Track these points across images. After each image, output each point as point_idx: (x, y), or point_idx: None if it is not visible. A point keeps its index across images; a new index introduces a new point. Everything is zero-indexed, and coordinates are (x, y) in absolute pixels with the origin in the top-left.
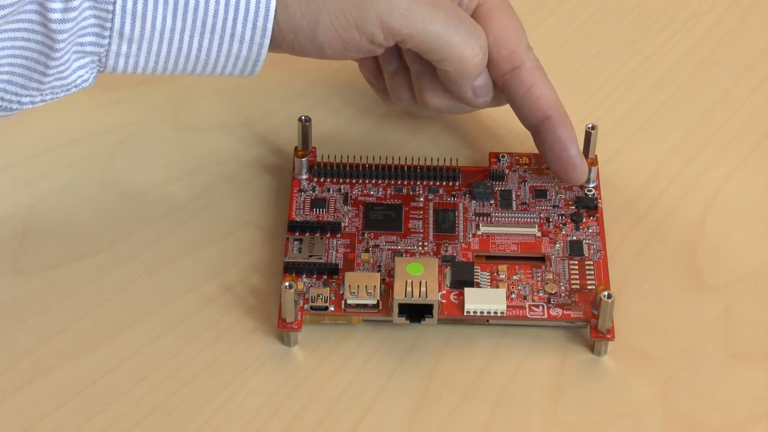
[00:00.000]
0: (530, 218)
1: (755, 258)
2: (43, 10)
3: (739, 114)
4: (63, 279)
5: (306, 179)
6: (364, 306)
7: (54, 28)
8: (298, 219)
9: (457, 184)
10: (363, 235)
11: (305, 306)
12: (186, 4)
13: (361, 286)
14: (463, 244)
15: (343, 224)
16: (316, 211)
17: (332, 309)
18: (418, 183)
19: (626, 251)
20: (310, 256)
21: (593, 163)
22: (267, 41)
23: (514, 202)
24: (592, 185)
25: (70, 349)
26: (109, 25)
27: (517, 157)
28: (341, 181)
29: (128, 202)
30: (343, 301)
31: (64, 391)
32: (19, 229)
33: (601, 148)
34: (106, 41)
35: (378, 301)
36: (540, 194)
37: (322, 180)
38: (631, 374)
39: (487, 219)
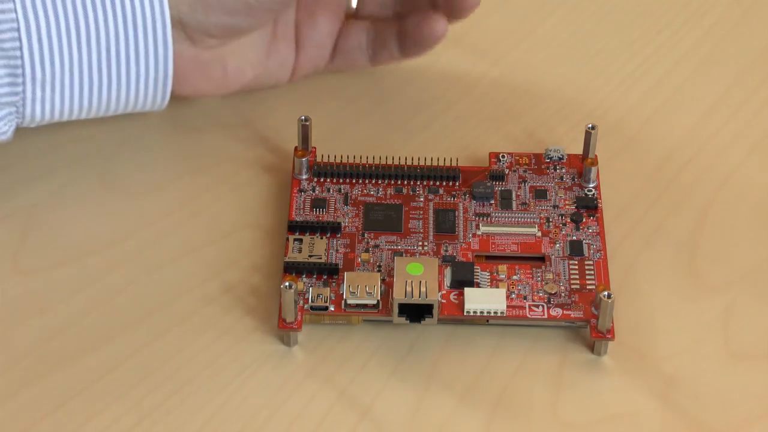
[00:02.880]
0: (530, 218)
1: (755, 258)
2: None
3: (739, 114)
4: (63, 279)
5: (306, 179)
6: (364, 306)
7: None
8: (298, 219)
9: (457, 184)
10: (363, 235)
11: (305, 306)
12: (88, 32)
13: (361, 286)
14: (463, 244)
15: (343, 224)
16: (316, 211)
17: (332, 309)
18: (418, 183)
19: (626, 251)
20: (310, 256)
21: (593, 163)
22: (170, 53)
23: (514, 202)
24: (592, 185)
25: (70, 349)
26: (20, 71)
27: (517, 157)
28: (341, 181)
29: (128, 202)
30: (343, 301)
31: (64, 391)
32: (19, 229)
33: (601, 148)
34: (20, 88)
35: (378, 301)
36: (540, 194)
37: (322, 180)
38: (631, 374)
39: (487, 219)
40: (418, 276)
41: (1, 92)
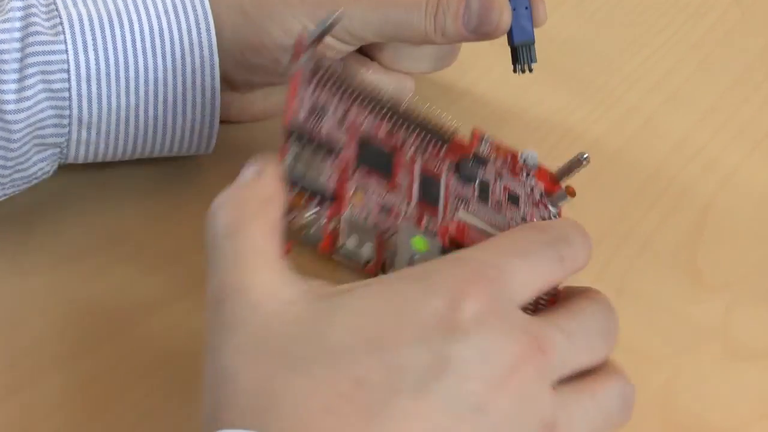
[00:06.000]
0: (501, 223)
1: (755, 258)
2: None
3: (739, 114)
4: (63, 279)
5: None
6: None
7: (9, 119)
8: (300, 118)
9: (445, 149)
10: (358, 166)
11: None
12: (137, 77)
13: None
14: (442, 224)
15: (337, 148)
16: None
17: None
18: (410, 130)
19: (626, 251)
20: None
21: (571, 193)
22: (218, 103)
23: (490, 198)
24: (555, 211)
25: (70, 349)
26: (66, 112)
27: (497, 148)
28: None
29: (128, 202)
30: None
31: (64, 391)
32: (19, 229)
33: (601, 148)
34: (65, 130)
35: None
36: (513, 200)
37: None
38: (631, 374)
39: (466, 206)
40: (423, 254)
41: (47, 132)
